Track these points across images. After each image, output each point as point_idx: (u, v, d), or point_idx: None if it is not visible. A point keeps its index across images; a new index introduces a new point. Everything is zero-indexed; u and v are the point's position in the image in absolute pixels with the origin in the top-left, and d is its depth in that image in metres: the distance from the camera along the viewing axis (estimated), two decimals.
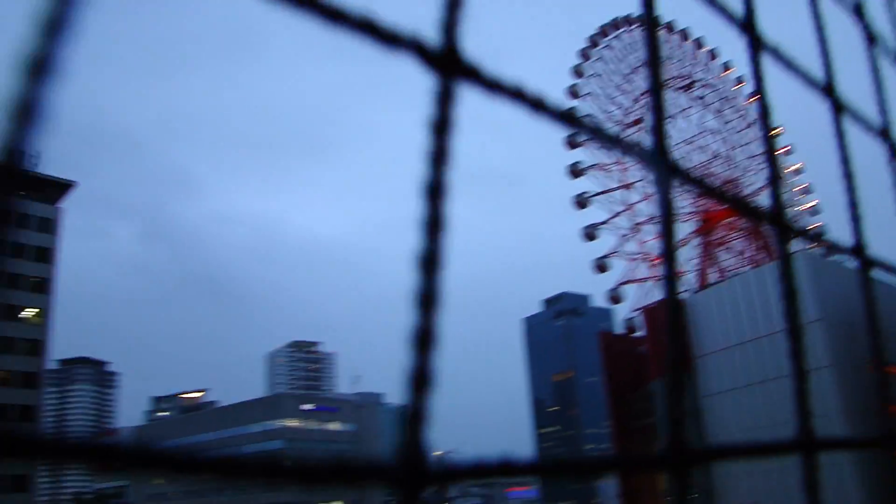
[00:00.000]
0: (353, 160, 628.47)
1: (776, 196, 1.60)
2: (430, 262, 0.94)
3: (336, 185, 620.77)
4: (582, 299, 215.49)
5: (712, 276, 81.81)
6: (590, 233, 79.25)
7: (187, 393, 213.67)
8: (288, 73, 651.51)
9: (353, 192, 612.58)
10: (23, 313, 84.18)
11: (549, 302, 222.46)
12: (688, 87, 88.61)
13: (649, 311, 73.47)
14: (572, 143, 74.97)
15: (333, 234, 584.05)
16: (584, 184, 79.85)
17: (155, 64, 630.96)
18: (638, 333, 77.16)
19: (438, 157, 0.97)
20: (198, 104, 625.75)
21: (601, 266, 79.02)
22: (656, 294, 77.76)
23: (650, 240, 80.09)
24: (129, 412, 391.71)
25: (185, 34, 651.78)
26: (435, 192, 0.96)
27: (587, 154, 78.67)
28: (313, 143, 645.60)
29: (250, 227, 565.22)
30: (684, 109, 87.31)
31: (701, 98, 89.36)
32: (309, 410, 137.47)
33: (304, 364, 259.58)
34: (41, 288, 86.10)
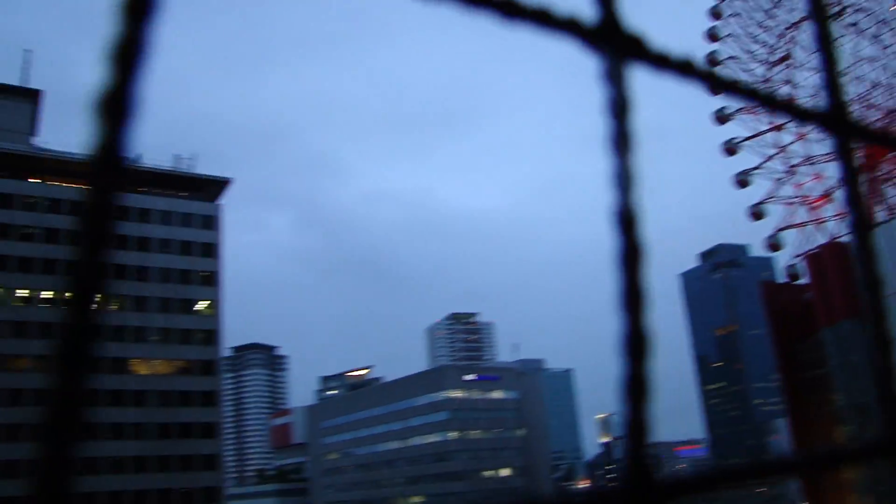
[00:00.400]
0: (493, 130, 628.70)
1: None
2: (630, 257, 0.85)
3: (477, 156, 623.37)
4: (739, 250, 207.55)
5: (880, 214, 76.79)
6: (742, 180, 76.22)
7: (353, 371, 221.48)
8: (421, 48, 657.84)
9: (496, 161, 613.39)
10: (196, 306, 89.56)
11: (706, 255, 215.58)
12: (838, 15, 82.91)
13: (813, 257, 70.02)
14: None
15: (482, 205, 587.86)
16: (733, 129, 76.77)
17: (291, 55, 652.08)
18: (802, 281, 73.67)
19: (621, 141, 0.86)
20: (337, 89, 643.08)
21: (757, 213, 75.83)
22: (818, 238, 73.92)
23: (807, 182, 76.05)
24: (300, 392, 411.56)
25: (316, 22, 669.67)
26: (625, 180, 0.85)
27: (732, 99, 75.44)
28: (454, 116, 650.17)
29: (400, 205, 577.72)
30: (836, 39, 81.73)
31: (854, 24, 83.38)
32: (471, 380, 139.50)
33: (464, 335, 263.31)
34: (210, 281, 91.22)
